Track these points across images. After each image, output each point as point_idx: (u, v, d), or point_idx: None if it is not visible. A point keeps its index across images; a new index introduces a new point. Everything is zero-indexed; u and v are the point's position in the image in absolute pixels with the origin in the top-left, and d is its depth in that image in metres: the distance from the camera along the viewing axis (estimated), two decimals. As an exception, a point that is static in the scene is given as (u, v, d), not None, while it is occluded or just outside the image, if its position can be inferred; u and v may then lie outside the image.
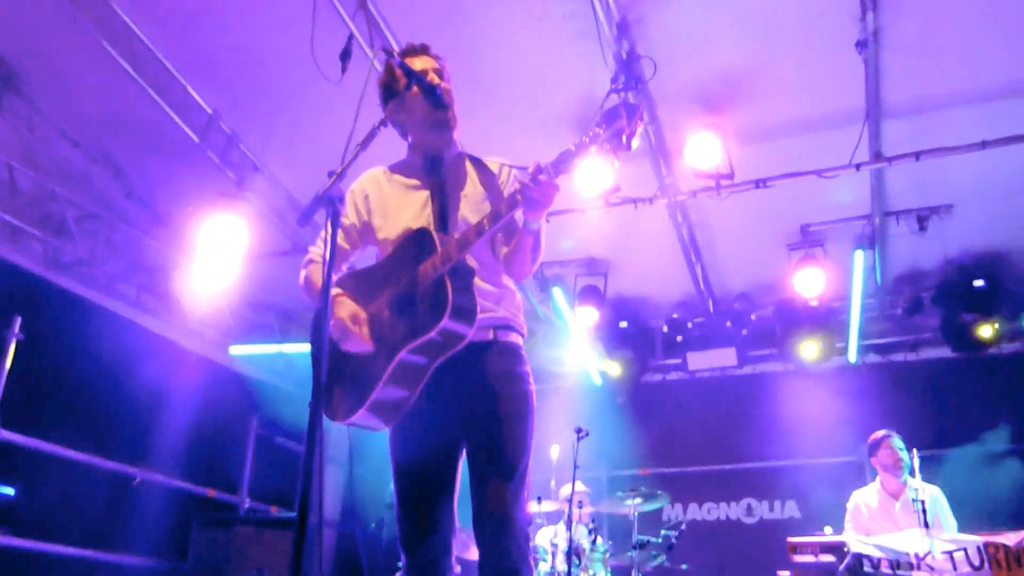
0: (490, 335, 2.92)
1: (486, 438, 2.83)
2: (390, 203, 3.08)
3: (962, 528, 5.66)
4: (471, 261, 2.88)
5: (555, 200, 2.68)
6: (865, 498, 6.25)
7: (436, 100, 2.94)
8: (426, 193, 3.04)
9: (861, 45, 5.66)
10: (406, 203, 3.04)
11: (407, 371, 2.76)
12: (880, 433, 6.27)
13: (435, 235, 2.80)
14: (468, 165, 3.11)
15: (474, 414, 2.86)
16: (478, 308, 2.77)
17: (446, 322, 2.66)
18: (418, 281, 2.78)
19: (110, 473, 7.70)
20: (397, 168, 3.18)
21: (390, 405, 2.81)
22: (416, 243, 2.85)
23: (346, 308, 2.86)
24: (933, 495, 5.88)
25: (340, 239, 3.08)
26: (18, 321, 6.69)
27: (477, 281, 2.87)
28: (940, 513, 5.81)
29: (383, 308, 2.87)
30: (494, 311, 2.94)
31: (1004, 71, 6.01)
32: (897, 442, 6.13)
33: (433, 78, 3.02)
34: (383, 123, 2.70)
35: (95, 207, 7.80)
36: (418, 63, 3.05)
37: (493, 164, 3.12)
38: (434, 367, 2.78)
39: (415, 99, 2.96)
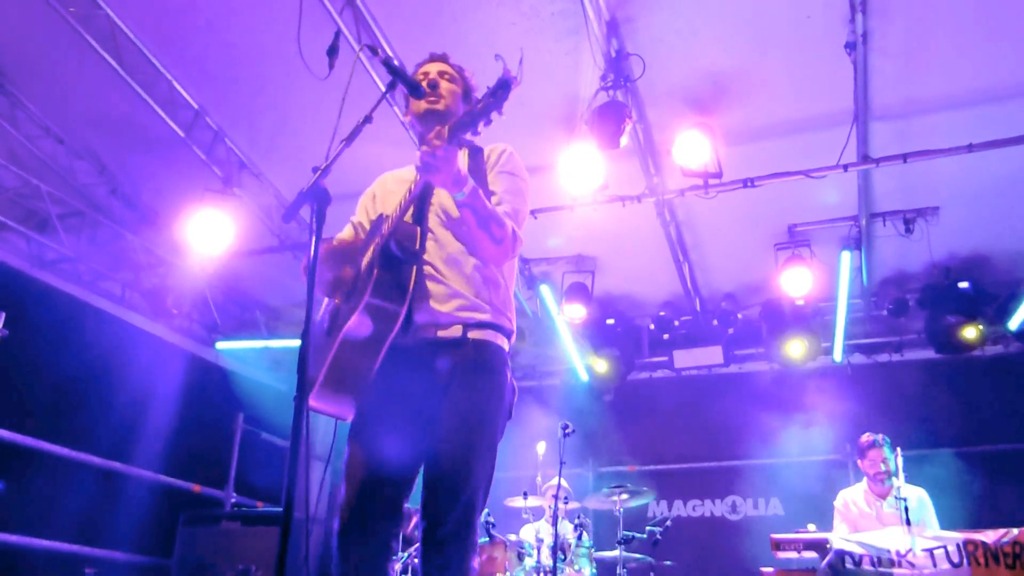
0: (459, 332, 2.77)
1: (435, 457, 2.69)
2: (387, 199, 3.10)
3: (944, 528, 5.68)
4: (445, 249, 2.86)
5: (448, 172, 2.57)
6: (853, 496, 6.23)
7: (414, 90, 2.92)
8: (411, 183, 3.01)
9: (850, 47, 5.67)
10: (395, 195, 3.03)
11: (355, 350, 2.71)
12: (867, 438, 6.17)
13: (384, 220, 2.84)
14: (462, 154, 2.99)
15: (432, 428, 2.70)
16: (410, 287, 2.72)
17: (368, 299, 2.65)
18: (360, 264, 2.87)
19: (96, 469, 7.68)
20: (403, 168, 3.24)
21: (341, 387, 2.76)
22: (375, 228, 2.93)
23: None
24: (920, 497, 5.91)
25: (350, 236, 3.15)
26: (2, 317, 6.65)
27: (445, 269, 2.84)
28: (925, 515, 5.82)
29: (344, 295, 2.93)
30: (463, 302, 2.81)
31: (991, 75, 6.03)
32: (886, 451, 6.02)
33: (430, 76, 3.07)
34: (368, 119, 2.69)
35: (79, 204, 7.76)
36: (430, 68, 3.14)
37: (489, 149, 3.09)
38: (384, 350, 2.69)
39: (407, 96, 3.03)
